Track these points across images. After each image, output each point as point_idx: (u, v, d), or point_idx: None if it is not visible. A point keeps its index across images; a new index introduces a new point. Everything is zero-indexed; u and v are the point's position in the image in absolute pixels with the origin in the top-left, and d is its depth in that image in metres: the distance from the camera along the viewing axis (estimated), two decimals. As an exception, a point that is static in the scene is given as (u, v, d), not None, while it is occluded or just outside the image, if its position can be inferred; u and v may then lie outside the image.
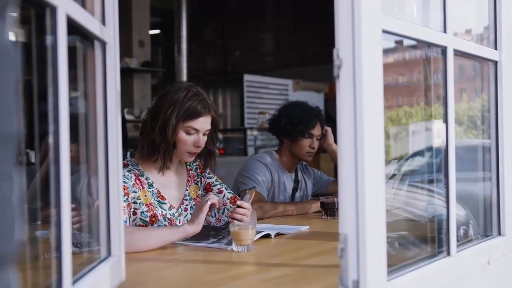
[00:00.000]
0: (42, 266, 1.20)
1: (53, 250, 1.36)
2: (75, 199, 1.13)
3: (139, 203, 2.08)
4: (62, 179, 0.97)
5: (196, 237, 1.98)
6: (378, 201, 1.16)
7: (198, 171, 2.34)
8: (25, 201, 0.67)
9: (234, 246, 1.80)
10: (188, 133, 2.12)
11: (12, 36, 0.58)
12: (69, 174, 0.99)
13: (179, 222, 2.18)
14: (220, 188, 2.32)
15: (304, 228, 2.27)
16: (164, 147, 2.10)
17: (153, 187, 2.15)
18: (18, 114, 0.56)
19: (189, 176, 2.30)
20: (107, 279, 1.25)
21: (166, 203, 2.16)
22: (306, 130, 2.88)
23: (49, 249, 1.41)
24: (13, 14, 0.59)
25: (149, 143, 2.13)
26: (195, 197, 2.29)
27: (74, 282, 1.05)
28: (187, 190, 2.27)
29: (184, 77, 8.62)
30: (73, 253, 1.03)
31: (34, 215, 1.74)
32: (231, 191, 2.33)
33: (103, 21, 1.30)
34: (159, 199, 2.15)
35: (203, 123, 2.13)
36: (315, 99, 5.85)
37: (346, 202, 1.13)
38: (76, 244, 1.31)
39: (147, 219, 2.09)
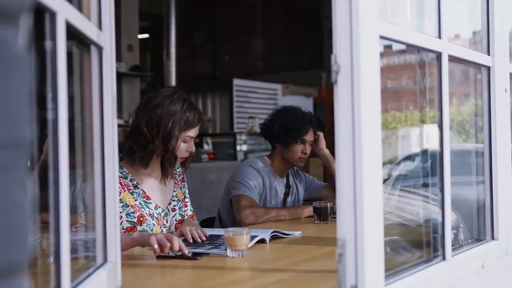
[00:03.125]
0: (39, 272, 1.20)
1: (47, 256, 1.35)
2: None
3: (122, 206, 2.12)
4: (60, 185, 0.96)
5: (193, 245, 1.98)
6: (376, 206, 1.17)
7: (180, 177, 2.43)
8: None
9: (228, 252, 1.80)
10: (185, 141, 2.22)
11: (25, 43, 0.58)
12: (67, 180, 0.98)
13: (167, 222, 2.26)
14: (187, 202, 2.43)
15: (297, 233, 2.27)
16: (169, 158, 2.18)
17: (138, 188, 2.20)
18: (30, 122, 0.56)
19: (176, 179, 2.39)
20: (104, 285, 1.25)
21: (151, 203, 2.22)
22: (299, 136, 2.87)
23: (44, 255, 1.40)
24: (26, 21, 0.59)
25: (148, 154, 2.18)
26: (181, 200, 2.38)
27: (72, 289, 1.05)
28: (174, 191, 2.34)
29: (173, 82, 8.59)
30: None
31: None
32: (192, 209, 2.45)
33: (99, 26, 1.29)
34: (144, 199, 2.20)
35: (197, 130, 2.26)
36: (304, 104, 5.85)
37: (344, 207, 1.13)
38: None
39: (135, 219, 2.14)
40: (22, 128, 0.54)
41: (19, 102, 0.53)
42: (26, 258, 0.56)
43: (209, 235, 2.18)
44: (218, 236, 2.12)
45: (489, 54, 1.76)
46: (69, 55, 1.14)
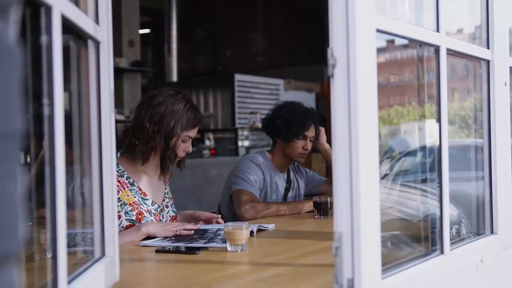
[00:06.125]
0: (35, 266, 1.20)
1: (44, 250, 1.36)
2: (67, 199, 1.12)
3: (121, 205, 2.14)
4: (57, 180, 0.96)
5: (187, 240, 1.97)
6: (373, 199, 1.17)
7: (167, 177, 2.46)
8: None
9: (228, 246, 1.80)
10: (183, 141, 2.25)
11: (14, 36, 0.58)
12: (64, 175, 0.98)
13: (163, 218, 2.30)
14: (172, 202, 2.43)
15: (271, 226, 2.29)
16: (170, 156, 2.22)
17: (134, 185, 2.23)
18: (21, 113, 0.56)
19: (167, 178, 2.42)
20: (102, 279, 1.25)
21: (148, 199, 2.25)
22: (300, 132, 2.87)
23: (40, 249, 1.40)
24: (16, 13, 0.59)
25: (149, 149, 2.20)
26: (170, 198, 2.42)
27: (69, 282, 1.05)
28: (166, 189, 2.39)
29: (174, 78, 8.59)
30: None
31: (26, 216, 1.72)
32: (175, 210, 2.43)
33: (96, 20, 1.29)
34: (142, 196, 2.23)
35: (196, 131, 2.30)
36: (306, 99, 5.85)
37: (341, 201, 1.14)
38: (68, 244, 1.30)
39: (133, 217, 2.16)
40: (13, 119, 0.54)
41: (9, 94, 0.53)
42: (17, 249, 0.56)
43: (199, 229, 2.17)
44: (205, 231, 2.12)
45: (488, 48, 1.76)
46: (66, 50, 1.14)
